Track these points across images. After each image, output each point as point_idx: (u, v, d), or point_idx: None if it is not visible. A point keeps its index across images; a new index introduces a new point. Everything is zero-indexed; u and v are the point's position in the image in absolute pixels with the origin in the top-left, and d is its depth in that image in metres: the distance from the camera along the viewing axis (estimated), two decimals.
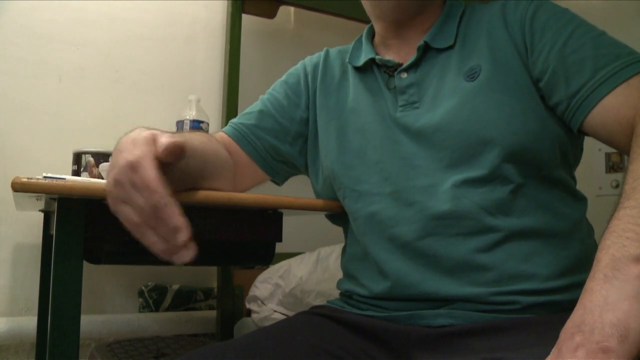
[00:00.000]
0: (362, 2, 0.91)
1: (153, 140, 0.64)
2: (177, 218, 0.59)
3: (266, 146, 0.96)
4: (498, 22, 0.81)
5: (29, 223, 1.57)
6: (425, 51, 0.85)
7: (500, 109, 0.76)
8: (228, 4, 1.86)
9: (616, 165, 1.90)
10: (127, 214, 0.61)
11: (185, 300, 1.76)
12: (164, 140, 0.64)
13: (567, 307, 0.68)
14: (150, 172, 0.59)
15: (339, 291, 0.94)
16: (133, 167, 0.60)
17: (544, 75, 0.76)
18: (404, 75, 0.85)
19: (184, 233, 0.59)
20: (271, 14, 1.92)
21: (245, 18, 1.88)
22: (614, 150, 1.85)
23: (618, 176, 1.90)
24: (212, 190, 0.85)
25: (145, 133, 0.65)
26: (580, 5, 0.79)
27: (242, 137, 0.96)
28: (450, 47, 0.84)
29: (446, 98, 0.80)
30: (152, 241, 0.61)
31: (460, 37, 0.84)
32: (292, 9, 2.04)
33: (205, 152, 0.84)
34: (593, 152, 1.92)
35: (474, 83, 0.79)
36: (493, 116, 0.76)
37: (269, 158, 0.97)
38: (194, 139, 0.82)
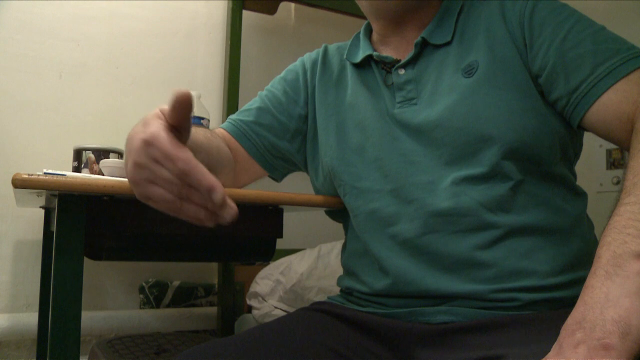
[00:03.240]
0: (358, 2, 0.90)
1: (161, 113, 0.60)
2: (207, 177, 0.55)
3: (265, 143, 0.96)
4: (496, 18, 0.81)
5: (29, 219, 1.57)
6: (423, 47, 0.85)
7: (499, 106, 0.76)
8: (228, 1, 1.86)
9: (617, 161, 1.90)
10: (158, 194, 0.57)
11: (186, 296, 1.76)
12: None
13: (567, 304, 0.68)
14: (167, 142, 0.56)
15: (340, 288, 0.94)
16: (148, 143, 0.56)
17: (543, 71, 0.76)
18: (402, 71, 0.85)
19: (219, 191, 0.54)
20: (271, 10, 1.91)
21: (246, 14, 1.88)
22: (615, 147, 1.86)
23: (619, 173, 1.89)
24: None
25: (152, 112, 0.62)
26: (580, 5, 0.78)
27: (240, 134, 0.96)
28: (448, 43, 0.83)
29: (444, 94, 0.80)
30: (191, 213, 0.57)
31: (458, 33, 0.84)
32: (292, 5, 2.04)
33: (210, 146, 0.84)
34: (594, 148, 1.92)
35: (472, 79, 0.78)
36: (492, 113, 0.76)
37: (267, 154, 0.97)
38: (198, 132, 0.81)
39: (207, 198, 0.55)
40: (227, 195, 0.56)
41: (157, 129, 0.57)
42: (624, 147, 0.70)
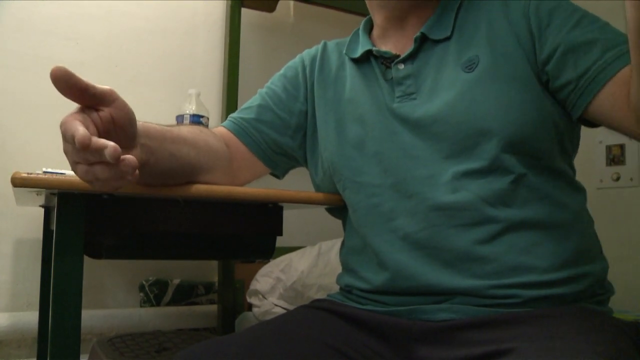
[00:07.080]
0: None
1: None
2: (94, 141, 0.57)
3: (267, 139, 0.96)
4: (498, 12, 0.81)
5: (29, 218, 1.57)
6: (422, 42, 0.85)
7: (499, 99, 0.76)
8: None
9: (617, 158, 1.90)
10: (80, 171, 0.60)
11: (186, 294, 1.76)
12: None
13: (567, 301, 0.68)
14: (70, 118, 0.62)
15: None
16: (61, 127, 0.61)
17: (552, 57, 0.75)
18: (401, 66, 0.85)
19: (110, 146, 0.56)
20: (271, 8, 1.91)
21: (245, 12, 1.87)
22: (615, 143, 1.86)
23: (618, 169, 1.89)
24: (209, 184, 0.86)
25: None
26: (582, 6, 0.79)
27: (242, 131, 0.96)
28: (448, 39, 0.84)
29: (444, 89, 0.80)
30: (104, 175, 0.59)
31: (458, 28, 0.84)
32: (291, 2, 2.03)
33: (196, 141, 0.84)
34: (594, 145, 1.92)
35: (473, 74, 0.78)
36: (491, 107, 0.76)
37: (269, 151, 0.97)
38: (182, 128, 0.84)
39: (106, 156, 0.56)
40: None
41: (70, 114, 0.63)
42: (632, 136, 0.70)
